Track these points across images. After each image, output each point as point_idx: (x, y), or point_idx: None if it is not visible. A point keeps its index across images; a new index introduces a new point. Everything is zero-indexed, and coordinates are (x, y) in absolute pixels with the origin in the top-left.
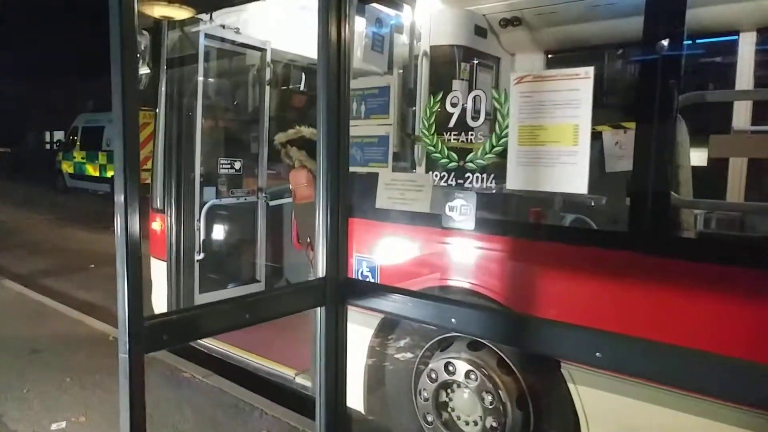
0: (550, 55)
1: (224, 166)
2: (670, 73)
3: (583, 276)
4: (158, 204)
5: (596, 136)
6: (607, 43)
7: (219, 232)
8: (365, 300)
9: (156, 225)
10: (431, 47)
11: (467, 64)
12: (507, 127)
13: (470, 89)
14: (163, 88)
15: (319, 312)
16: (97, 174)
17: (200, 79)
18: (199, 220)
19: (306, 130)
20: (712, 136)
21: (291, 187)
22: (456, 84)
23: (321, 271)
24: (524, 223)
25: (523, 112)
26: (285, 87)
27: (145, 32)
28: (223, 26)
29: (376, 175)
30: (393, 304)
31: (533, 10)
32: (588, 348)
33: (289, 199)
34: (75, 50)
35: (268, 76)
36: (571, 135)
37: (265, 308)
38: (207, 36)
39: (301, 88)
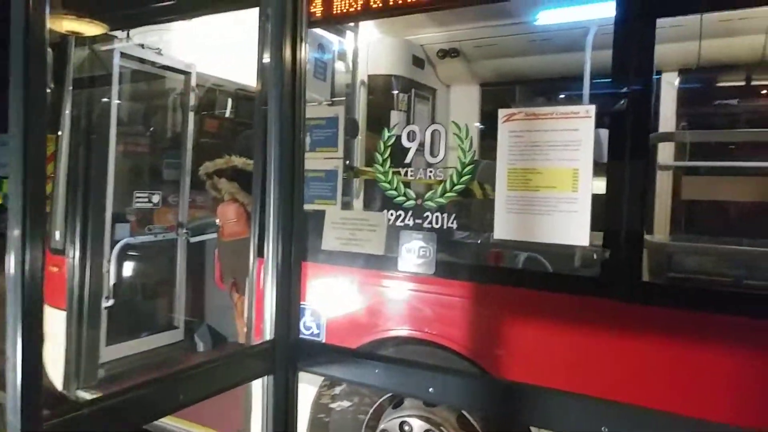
0: (484, 88)
1: (140, 199)
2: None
3: (552, 324)
4: (57, 243)
5: None
6: (542, 77)
7: (132, 273)
8: (323, 366)
9: (54, 269)
10: (369, 76)
11: (405, 95)
12: (470, 164)
13: (408, 121)
14: (68, 111)
15: (267, 380)
16: None
17: (114, 102)
18: (108, 261)
19: (238, 160)
20: (685, 177)
21: (218, 222)
22: (395, 116)
23: (269, 332)
24: (488, 267)
25: (513, 153)
26: (210, 113)
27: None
28: (143, 46)
29: (321, 214)
30: (358, 370)
31: (472, 42)
32: (593, 422)
33: (212, 235)
34: None
35: (192, 101)
36: (570, 180)
37: (204, 384)
38: (123, 56)
39: (226, 114)
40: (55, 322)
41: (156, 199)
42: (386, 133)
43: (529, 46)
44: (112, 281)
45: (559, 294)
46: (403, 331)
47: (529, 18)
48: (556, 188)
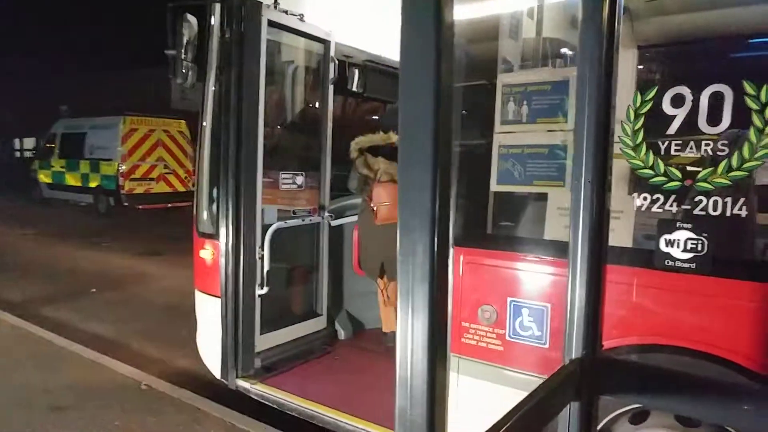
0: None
1: (286, 180)
2: None
3: None
4: (207, 227)
5: None
6: None
7: (279, 259)
8: (635, 392)
9: (206, 253)
10: None
11: None
12: None
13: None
14: (211, 85)
15: (569, 409)
16: (79, 184)
17: (262, 77)
18: (261, 247)
19: (396, 138)
20: None
21: (373, 204)
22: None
23: (574, 350)
24: None
25: None
26: (350, 89)
27: (190, 17)
28: (286, 12)
29: (534, 198)
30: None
31: None
32: None
33: (351, 218)
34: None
35: (331, 73)
36: None
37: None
38: (270, 24)
39: (355, 88)
40: (208, 309)
41: (300, 180)
42: (638, 98)
43: None
44: (266, 268)
45: None
46: (656, 339)
47: None
48: None
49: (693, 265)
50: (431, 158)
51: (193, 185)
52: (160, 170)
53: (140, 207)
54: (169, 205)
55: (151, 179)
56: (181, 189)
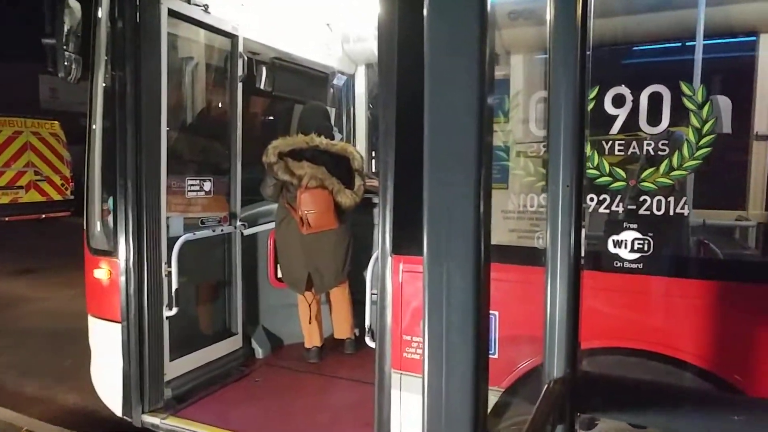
0: None
1: (192, 187)
2: None
3: None
4: (102, 242)
5: None
6: None
7: (188, 275)
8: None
9: (101, 273)
10: None
11: None
12: (707, 133)
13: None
14: (101, 81)
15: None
16: None
17: (163, 71)
18: (168, 263)
19: (322, 140)
20: None
21: (300, 213)
22: None
23: (555, 368)
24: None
25: None
26: (259, 88)
27: (73, 2)
28: (189, 1)
29: None
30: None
31: None
32: None
33: (266, 226)
34: None
35: (240, 70)
36: None
37: None
38: (171, 14)
39: (262, 86)
40: (106, 337)
41: (208, 186)
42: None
43: None
44: (174, 286)
45: None
46: (607, 342)
47: None
48: None
49: (640, 266)
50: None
51: (72, 193)
52: (30, 177)
53: (7, 219)
54: (43, 216)
55: (20, 187)
56: (57, 197)
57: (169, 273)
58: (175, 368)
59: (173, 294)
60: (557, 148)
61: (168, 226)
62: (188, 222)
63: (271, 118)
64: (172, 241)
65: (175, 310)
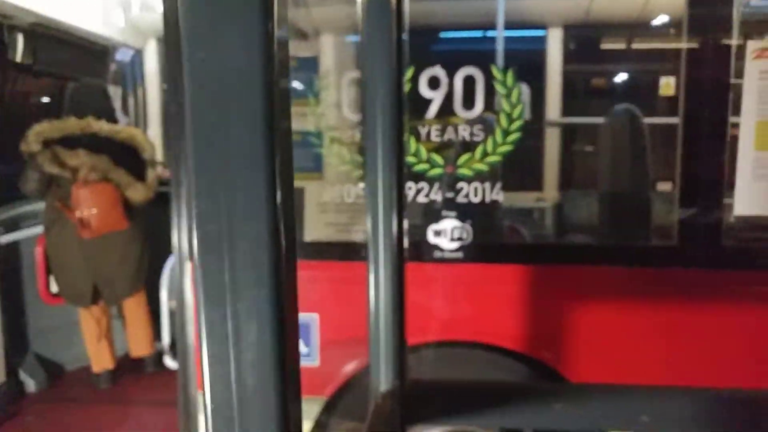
0: None
1: None
2: None
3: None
4: None
5: None
6: None
7: None
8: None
9: None
10: None
11: None
12: (516, 119)
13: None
14: None
15: None
16: None
17: None
18: None
19: (102, 126)
20: None
21: (78, 212)
22: None
23: (383, 381)
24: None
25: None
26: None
27: None
28: None
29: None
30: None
31: None
32: None
33: (30, 231)
34: None
35: None
36: None
37: None
38: None
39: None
40: None
41: None
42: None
43: None
44: None
45: None
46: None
47: None
48: None
49: (461, 255)
50: None
51: None
52: None
53: None
54: None
55: None
56: None
57: None
58: None
59: None
60: (374, 134)
61: None
62: None
63: (44, 100)
64: None
65: None
